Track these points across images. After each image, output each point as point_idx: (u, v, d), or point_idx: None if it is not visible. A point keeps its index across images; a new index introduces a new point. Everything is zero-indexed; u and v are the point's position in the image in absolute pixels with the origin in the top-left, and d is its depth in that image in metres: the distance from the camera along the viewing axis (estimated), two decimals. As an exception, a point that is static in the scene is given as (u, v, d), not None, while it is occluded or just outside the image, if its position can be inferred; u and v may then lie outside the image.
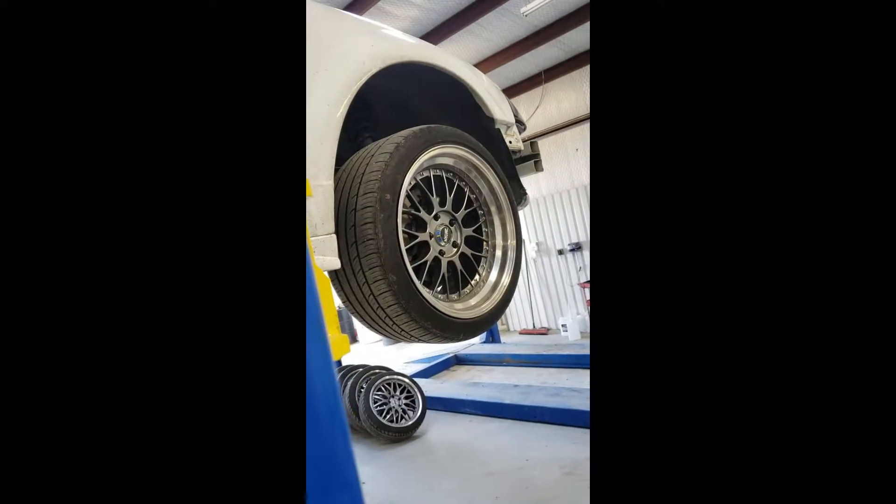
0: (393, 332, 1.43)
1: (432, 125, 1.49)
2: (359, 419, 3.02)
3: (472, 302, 1.51)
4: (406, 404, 3.37)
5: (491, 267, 1.57)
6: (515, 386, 3.94)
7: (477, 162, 1.57)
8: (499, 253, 1.58)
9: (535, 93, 8.15)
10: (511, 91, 8.33)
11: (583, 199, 7.72)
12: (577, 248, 7.83)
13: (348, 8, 5.67)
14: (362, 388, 3.23)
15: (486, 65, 7.33)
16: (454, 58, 1.65)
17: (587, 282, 7.35)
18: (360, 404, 3.10)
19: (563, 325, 7.44)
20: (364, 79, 1.38)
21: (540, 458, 2.54)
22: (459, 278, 1.55)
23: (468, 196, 1.61)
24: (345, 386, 3.25)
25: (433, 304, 1.37)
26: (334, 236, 1.27)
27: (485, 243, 1.60)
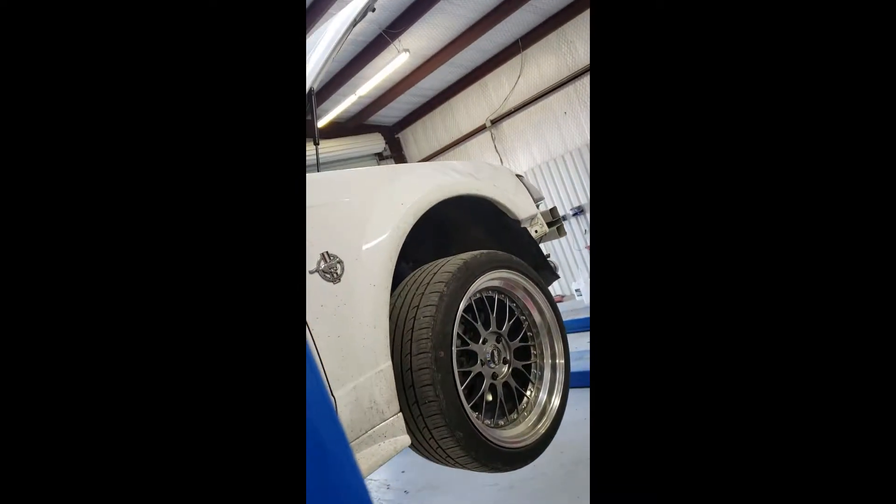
0: (459, 467, 1.48)
1: (467, 259, 1.49)
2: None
3: (531, 420, 1.55)
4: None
5: (540, 388, 1.60)
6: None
7: (521, 280, 1.59)
8: (548, 373, 1.61)
9: (515, 62, 7.95)
10: (490, 64, 8.13)
11: (577, 162, 7.65)
12: (579, 211, 7.82)
13: (312, 5, 5.46)
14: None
15: (461, 41, 7.14)
16: (476, 181, 1.65)
17: (594, 244, 7.39)
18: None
19: (576, 290, 7.54)
20: (399, 244, 1.38)
21: (572, 421, 2.60)
22: (515, 394, 1.58)
23: (511, 310, 1.63)
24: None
25: (500, 445, 1.41)
26: (401, 415, 1.30)
27: (533, 364, 1.63)
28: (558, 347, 1.60)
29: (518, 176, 1.94)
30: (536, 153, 8.17)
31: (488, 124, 8.51)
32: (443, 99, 9.02)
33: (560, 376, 1.58)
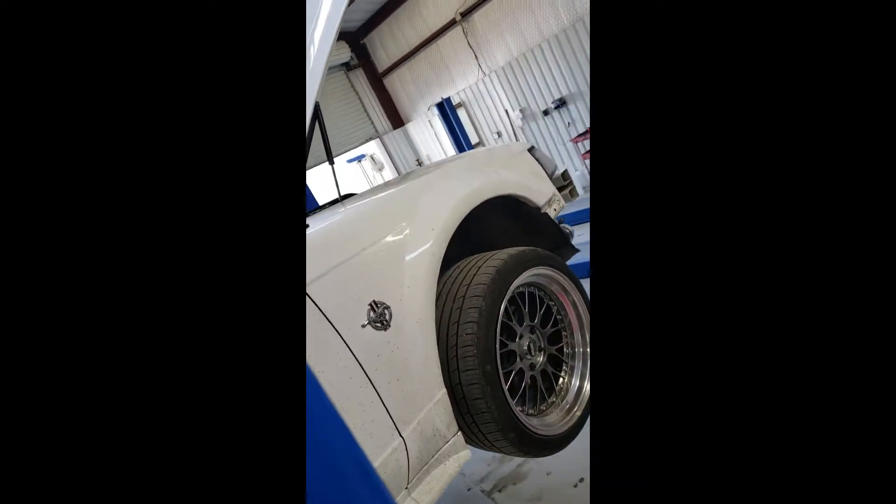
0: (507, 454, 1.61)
1: (499, 267, 1.50)
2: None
3: (566, 405, 1.67)
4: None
5: (573, 374, 1.70)
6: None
7: (550, 273, 1.61)
8: (580, 361, 1.70)
9: (482, -54, 7.29)
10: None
11: (555, 50, 7.32)
12: (561, 104, 7.62)
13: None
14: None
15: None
16: (494, 177, 1.61)
17: (578, 136, 7.33)
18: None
19: (564, 186, 7.58)
20: (437, 272, 1.39)
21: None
22: (552, 378, 1.69)
23: (540, 298, 1.69)
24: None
25: (545, 434, 1.54)
26: (460, 433, 1.40)
27: (565, 345, 1.71)
28: (589, 336, 1.68)
29: (530, 149, 1.90)
30: (512, 45, 7.76)
31: (458, 17, 7.98)
32: (406, -7, 8.37)
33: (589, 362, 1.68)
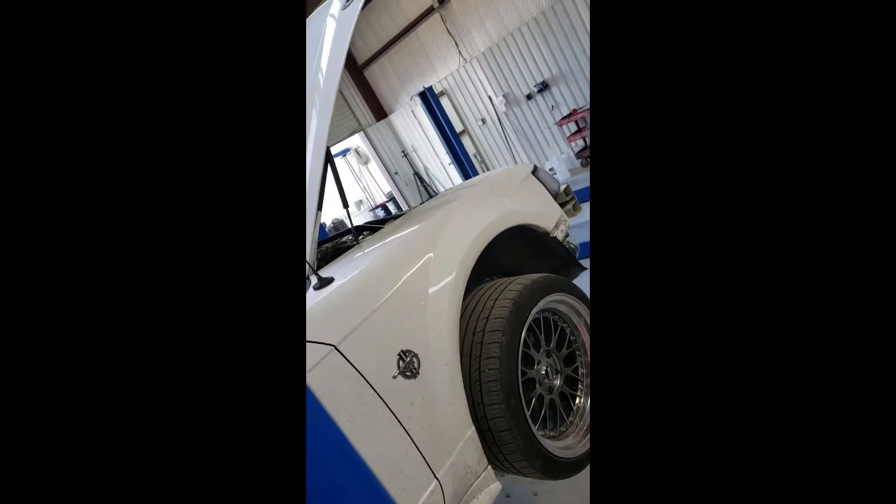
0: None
1: (515, 299, 1.54)
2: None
3: (584, 426, 1.72)
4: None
5: (588, 395, 1.76)
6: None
7: (564, 297, 1.66)
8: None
9: (456, -70, 7.17)
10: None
11: (536, 33, 7.28)
12: (544, 87, 7.61)
13: None
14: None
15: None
16: (503, 208, 1.64)
17: (563, 119, 7.34)
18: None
19: (550, 169, 7.61)
20: (459, 311, 1.43)
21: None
22: (569, 398, 1.74)
23: (554, 322, 1.73)
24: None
25: (568, 458, 1.59)
26: (490, 467, 1.45)
27: (580, 364, 1.77)
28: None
29: (533, 171, 1.93)
30: (492, 30, 7.69)
31: (436, 5, 7.88)
32: (381, -18, 8.22)
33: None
